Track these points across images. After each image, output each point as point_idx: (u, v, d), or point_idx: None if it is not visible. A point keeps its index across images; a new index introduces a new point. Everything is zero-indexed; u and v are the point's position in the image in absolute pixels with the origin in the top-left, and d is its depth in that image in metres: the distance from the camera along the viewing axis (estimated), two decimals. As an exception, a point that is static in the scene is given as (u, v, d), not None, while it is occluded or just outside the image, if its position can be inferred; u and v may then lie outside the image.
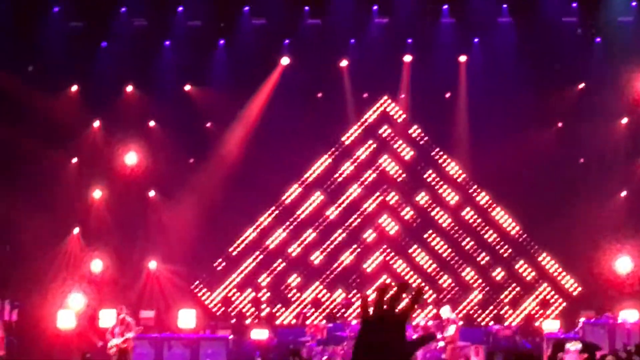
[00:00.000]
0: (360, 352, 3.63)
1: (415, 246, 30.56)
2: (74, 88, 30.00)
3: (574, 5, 29.05)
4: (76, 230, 29.89)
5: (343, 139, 31.05)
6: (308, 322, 27.86)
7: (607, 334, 25.65)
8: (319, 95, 30.67)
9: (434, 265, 30.46)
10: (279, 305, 30.40)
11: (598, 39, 29.25)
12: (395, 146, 31.11)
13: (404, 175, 30.93)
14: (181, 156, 30.22)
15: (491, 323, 28.86)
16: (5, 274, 27.59)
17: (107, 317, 27.17)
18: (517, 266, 30.28)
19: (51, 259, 29.04)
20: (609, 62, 28.48)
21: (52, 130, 28.78)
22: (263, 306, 30.15)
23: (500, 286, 30.28)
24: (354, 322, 26.20)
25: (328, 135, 30.97)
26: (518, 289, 30.21)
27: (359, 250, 30.56)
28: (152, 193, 30.48)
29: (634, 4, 29.20)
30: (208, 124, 30.72)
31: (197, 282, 30.35)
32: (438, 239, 30.53)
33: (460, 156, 30.57)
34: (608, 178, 29.11)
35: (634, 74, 28.96)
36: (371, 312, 3.66)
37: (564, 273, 30.01)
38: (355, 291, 30.09)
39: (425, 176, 30.85)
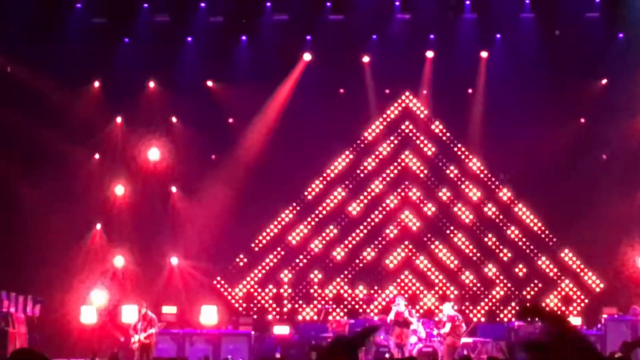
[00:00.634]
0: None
1: (437, 242, 30.49)
2: (96, 84, 30.11)
3: (597, 0, 28.94)
4: (98, 226, 30.00)
5: (365, 134, 31.03)
6: (330, 318, 27.88)
7: (630, 330, 25.60)
8: (341, 91, 30.65)
9: (456, 262, 30.38)
10: (300, 302, 30.42)
11: (621, 35, 29.11)
12: (417, 142, 31.05)
13: (425, 171, 30.88)
14: (203, 152, 30.28)
15: (513, 319, 28.75)
16: (28, 269, 27.67)
17: (129, 313, 27.25)
18: (539, 262, 30.16)
19: (74, 255, 29.15)
20: (632, 57, 28.35)
21: (74, 126, 28.93)
22: (285, 302, 30.19)
23: (522, 282, 30.17)
24: (375, 318, 26.21)
25: (350, 131, 30.93)
26: (540, 285, 30.10)
27: (380, 246, 30.52)
28: (174, 189, 30.54)
29: (657, -1, 29.05)
30: (230, 120, 30.75)
31: (219, 278, 30.39)
32: (460, 235, 30.46)
33: (481, 152, 30.48)
34: (630, 174, 28.96)
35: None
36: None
37: (586, 269, 29.89)
38: (376, 287, 30.11)
39: (447, 172, 30.79)
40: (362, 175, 30.89)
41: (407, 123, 31.13)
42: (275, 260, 30.57)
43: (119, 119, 30.35)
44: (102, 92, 30.09)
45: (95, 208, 29.83)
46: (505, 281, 30.16)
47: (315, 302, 30.30)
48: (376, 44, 30.02)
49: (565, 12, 28.77)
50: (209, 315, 28.38)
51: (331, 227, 30.65)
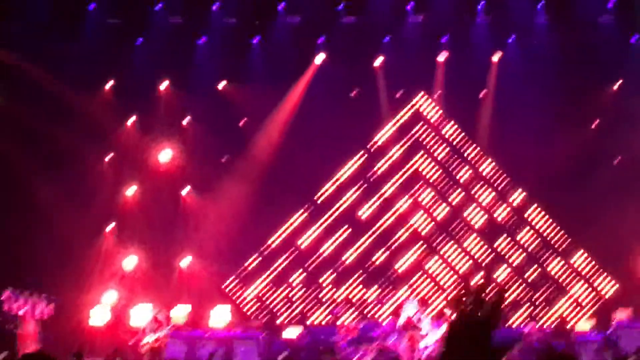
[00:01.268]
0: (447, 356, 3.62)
1: (449, 245, 30.46)
2: (110, 84, 30.19)
3: (610, 4, 28.78)
4: (111, 227, 30.10)
5: (377, 137, 30.98)
6: (339, 321, 27.90)
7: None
8: (354, 93, 30.61)
9: (468, 264, 30.34)
10: (311, 304, 30.45)
11: (634, 38, 28.96)
12: (430, 145, 31.00)
13: (437, 174, 30.83)
14: (215, 153, 30.28)
15: (524, 323, 28.68)
16: (41, 269, 27.80)
17: (139, 315, 27.32)
18: (552, 265, 30.10)
19: (87, 255, 29.27)
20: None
21: (87, 127, 29.00)
22: (295, 305, 30.23)
23: (535, 285, 30.12)
24: (386, 322, 26.19)
25: (362, 133, 30.87)
26: (552, 288, 30.04)
27: (392, 249, 30.50)
28: (186, 190, 30.60)
29: (671, 2, 28.89)
30: (241, 122, 30.76)
31: (230, 279, 30.45)
32: (472, 237, 30.41)
33: (494, 155, 30.40)
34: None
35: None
36: (455, 316, 3.66)
37: (599, 273, 29.81)
38: (387, 290, 30.10)
39: (459, 175, 30.73)
40: (374, 177, 30.86)
41: (419, 125, 31.05)
42: (286, 262, 30.55)
43: (131, 120, 30.40)
44: (115, 93, 30.15)
45: (107, 209, 29.89)
46: (517, 284, 30.09)
47: (326, 305, 30.28)
48: (389, 45, 29.96)
49: (578, 16, 28.68)
50: (220, 316, 28.41)
51: (343, 229, 30.61)
